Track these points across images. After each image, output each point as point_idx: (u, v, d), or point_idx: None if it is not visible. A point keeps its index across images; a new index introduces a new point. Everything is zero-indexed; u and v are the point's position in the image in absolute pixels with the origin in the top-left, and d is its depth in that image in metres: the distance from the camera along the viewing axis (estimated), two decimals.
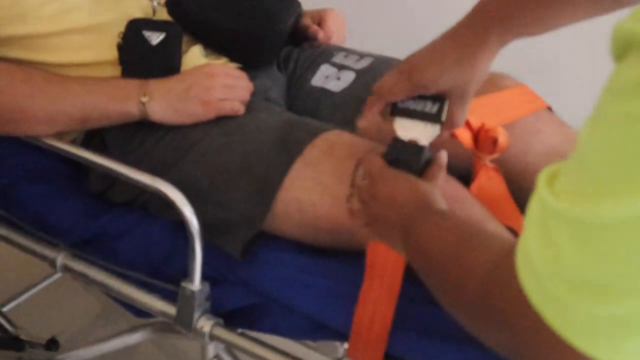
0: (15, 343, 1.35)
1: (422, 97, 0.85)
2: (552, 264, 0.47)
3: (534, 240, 0.49)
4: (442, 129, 0.84)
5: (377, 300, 0.93)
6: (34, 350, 1.33)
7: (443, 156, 0.83)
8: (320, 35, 1.31)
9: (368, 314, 0.93)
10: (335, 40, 1.33)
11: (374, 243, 0.91)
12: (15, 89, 1.06)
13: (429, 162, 0.82)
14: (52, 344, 1.31)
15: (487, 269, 0.57)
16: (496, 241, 0.61)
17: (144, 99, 1.04)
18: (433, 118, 0.83)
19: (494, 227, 0.77)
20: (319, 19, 1.33)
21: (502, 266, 0.54)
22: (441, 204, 0.75)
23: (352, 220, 0.88)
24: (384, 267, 0.92)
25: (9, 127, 1.08)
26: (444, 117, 0.82)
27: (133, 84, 1.07)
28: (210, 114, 1.06)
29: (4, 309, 1.43)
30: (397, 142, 0.86)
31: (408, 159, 0.83)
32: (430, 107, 0.85)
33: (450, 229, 0.68)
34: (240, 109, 1.07)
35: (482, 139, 0.95)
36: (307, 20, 1.33)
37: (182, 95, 1.06)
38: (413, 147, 0.84)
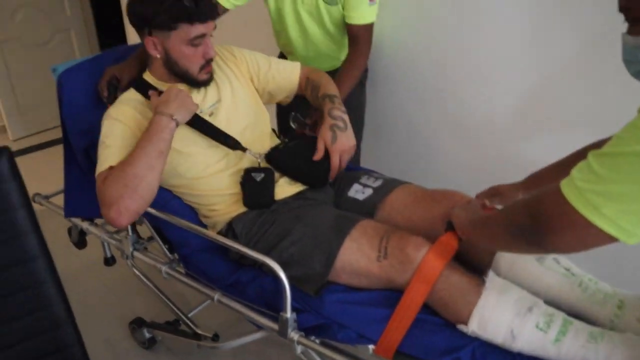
0: (197, 335, 1.73)
1: None
2: (584, 174, 0.73)
3: (577, 171, 0.75)
4: None
5: (401, 321, 1.18)
6: (206, 340, 1.69)
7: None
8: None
9: (394, 327, 1.18)
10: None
11: (409, 291, 1.16)
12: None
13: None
14: (216, 337, 1.66)
15: (525, 206, 0.85)
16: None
17: None
18: None
19: None
20: None
21: (542, 195, 0.80)
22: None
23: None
24: (410, 304, 1.17)
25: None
26: None
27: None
28: None
29: (190, 315, 1.84)
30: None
31: None
32: None
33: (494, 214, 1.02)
34: None
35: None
36: None
37: None
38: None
